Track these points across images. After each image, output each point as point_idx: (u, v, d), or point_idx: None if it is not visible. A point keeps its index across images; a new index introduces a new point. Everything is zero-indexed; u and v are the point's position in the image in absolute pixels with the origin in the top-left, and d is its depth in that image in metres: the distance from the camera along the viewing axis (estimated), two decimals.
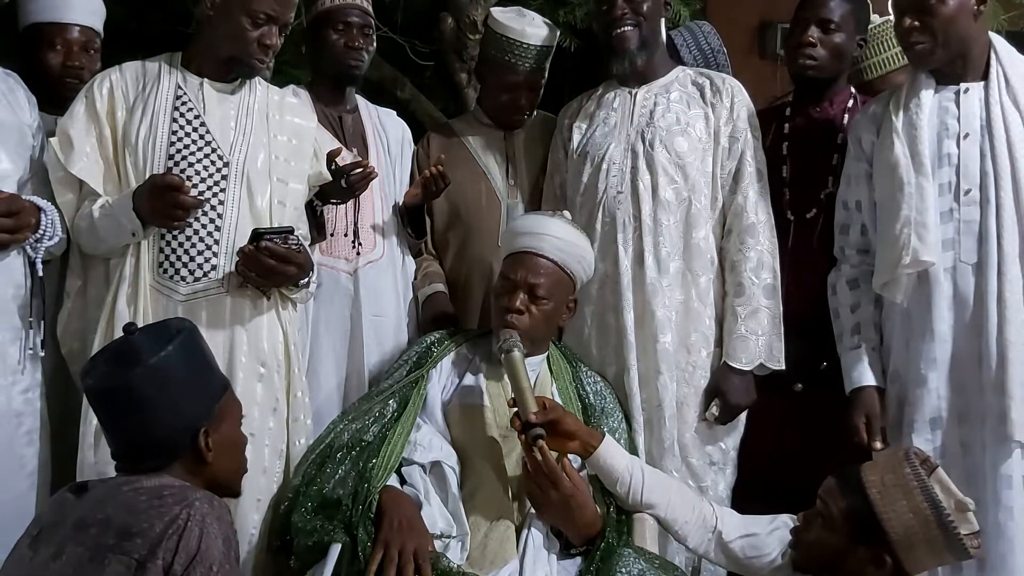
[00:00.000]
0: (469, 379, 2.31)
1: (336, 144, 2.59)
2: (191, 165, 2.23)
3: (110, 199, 2.21)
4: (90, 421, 2.17)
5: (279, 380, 2.30)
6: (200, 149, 2.25)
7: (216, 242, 2.23)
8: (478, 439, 2.22)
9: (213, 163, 2.25)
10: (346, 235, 2.62)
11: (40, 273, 2.20)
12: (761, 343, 2.44)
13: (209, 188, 2.24)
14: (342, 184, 2.43)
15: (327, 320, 2.59)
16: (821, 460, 2.14)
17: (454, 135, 2.88)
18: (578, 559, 2.06)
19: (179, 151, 2.24)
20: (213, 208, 2.23)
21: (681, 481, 2.35)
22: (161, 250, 2.21)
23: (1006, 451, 2.18)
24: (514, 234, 2.38)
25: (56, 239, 2.20)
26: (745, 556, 2.08)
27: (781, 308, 2.47)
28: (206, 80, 2.31)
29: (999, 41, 2.33)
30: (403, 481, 2.16)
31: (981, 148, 2.24)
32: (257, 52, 2.26)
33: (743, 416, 2.51)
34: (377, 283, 2.65)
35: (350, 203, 2.58)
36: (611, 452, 2.12)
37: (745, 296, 2.46)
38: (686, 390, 2.48)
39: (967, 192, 2.24)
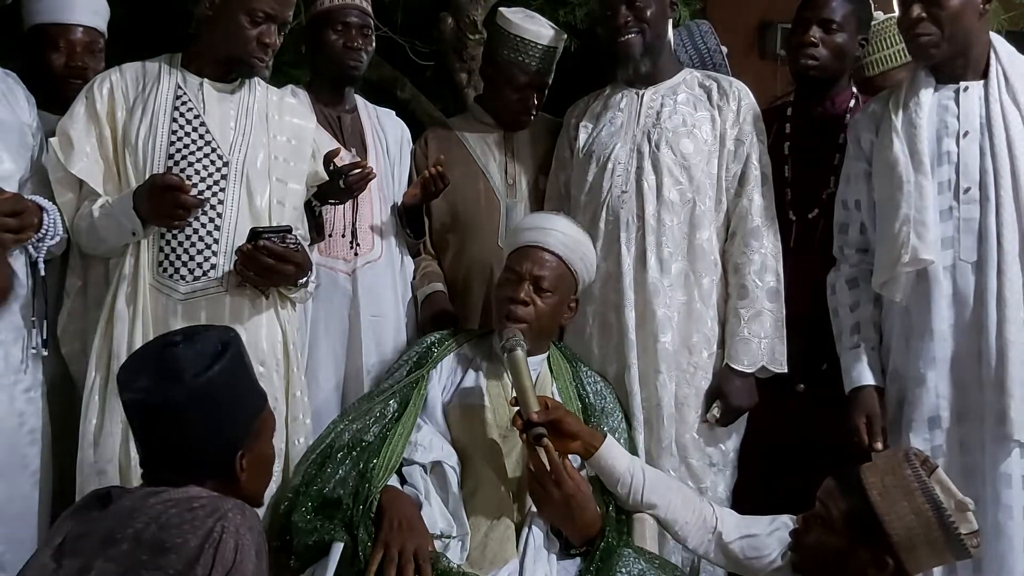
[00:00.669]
0: (469, 379, 2.31)
1: (335, 144, 2.59)
2: (191, 165, 2.24)
3: (110, 199, 2.21)
4: (90, 420, 2.18)
5: (278, 379, 2.30)
6: (200, 149, 2.26)
7: (215, 241, 2.23)
8: (478, 439, 2.22)
9: (213, 163, 2.26)
10: (344, 235, 2.62)
11: (43, 273, 2.20)
12: (764, 346, 2.45)
13: (209, 188, 2.24)
14: (340, 184, 2.43)
15: (326, 320, 2.60)
16: (822, 460, 2.14)
17: (453, 135, 2.87)
18: (578, 559, 2.06)
19: (179, 151, 2.24)
20: (213, 208, 2.24)
21: (680, 481, 2.35)
22: (161, 249, 2.22)
23: (1005, 450, 2.18)
24: (519, 230, 2.40)
25: (57, 239, 2.21)
26: (745, 557, 2.08)
27: (784, 311, 2.47)
28: (206, 80, 2.31)
29: (999, 40, 2.33)
30: (403, 481, 2.16)
31: (981, 146, 2.24)
32: (256, 51, 2.26)
33: (744, 418, 2.51)
34: (376, 283, 2.65)
35: (348, 203, 2.59)
36: (612, 453, 2.12)
37: (748, 299, 2.46)
38: (687, 391, 2.48)
39: (967, 190, 2.24)
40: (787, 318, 2.49)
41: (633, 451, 2.30)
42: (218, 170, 2.26)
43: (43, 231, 2.17)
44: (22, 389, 2.19)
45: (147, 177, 2.18)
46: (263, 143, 2.33)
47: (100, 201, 2.21)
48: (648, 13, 2.52)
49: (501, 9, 2.83)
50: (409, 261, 2.77)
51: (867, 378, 2.34)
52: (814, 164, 2.60)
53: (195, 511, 1.57)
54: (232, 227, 2.24)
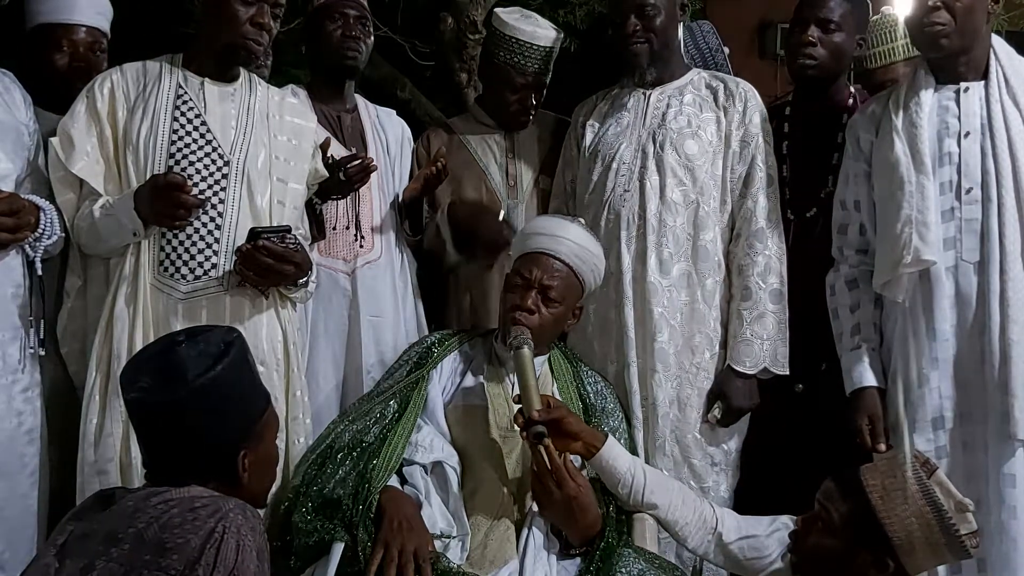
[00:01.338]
0: (470, 380, 2.31)
1: (335, 144, 2.60)
2: (192, 164, 2.23)
3: (111, 199, 2.21)
4: (90, 420, 2.17)
5: (278, 379, 2.30)
6: (201, 148, 2.25)
7: (216, 241, 2.23)
8: (479, 440, 2.22)
9: (214, 162, 2.25)
10: (348, 228, 2.61)
11: (40, 272, 2.20)
12: (766, 347, 2.44)
13: (209, 187, 2.24)
14: (340, 176, 2.43)
15: (325, 321, 2.60)
16: (821, 460, 2.14)
17: (454, 134, 2.87)
18: (578, 559, 2.06)
19: (180, 150, 2.24)
20: (213, 207, 2.23)
21: (680, 481, 2.35)
22: (162, 248, 2.21)
23: (1009, 450, 2.18)
24: (532, 234, 2.37)
25: (54, 238, 2.20)
26: (745, 557, 2.07)
27: (787, 313, 2.47)
28: (207, 80, 2.31)
29: (998, 42, 2.33)
30: (404, 481, 2.15)
31: (982, 147, 2.24)
32: (251, 33, 2.25)
33: (747, 418, 2.51)
34: (375, 284, 2.65)
35: (351, 200, 2.58)
36: (614, 453, 2.12)
37: (752, 300, 2.46)
38: (689, 391, 2.48)
39: (968, 191, 2.24)
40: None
41: (633, 451, 2.30)
42: (219, 169, 2.26)
43: (40, 230, 2.17)
44: (20, 389, 2.19)
45: (148, 177, 2.18)
46: (264, 143, 2.33)
47: (101, 201, 2.21)
48: (657, 22, 2.53)
49: (497, 11, 2.83)
50: (409, 261, 2.77)
51: (868, 379, 2.34)
52: (812, 163, 2.60)
53: (197, 511, 1.56)
54: (233, 227, 2.24)
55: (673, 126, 2.52)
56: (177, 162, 2.23)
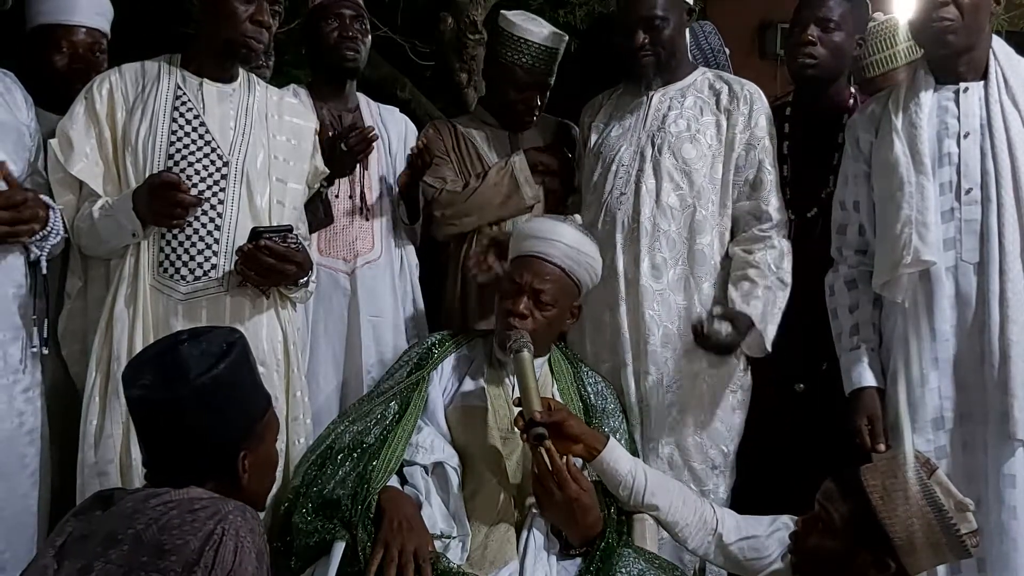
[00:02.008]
0: (470, 381, 2.31)
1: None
2: (191, 165, 2.23)
3: (110, 200, 2.21)
4: (90, 421, 2.17)
5: (278, 379, 2.30)
6: (200, 149, 2.25)
7: (216, 241, 2.23)
8: (479, 441, 2.21)
9: (213, 163, 2.25)
10: (351, 197, 2.62)
11: (44, 272, 2.19)
12: (767, 312, 2.39)
13: (209, 188, 2.24)
14: (342, 147, 2.43)
15: (325, 321, 2.60)
16: (822, 460, 2.14)
17: (459, 132, 2.87)
18: (578, 559, 2.06)
19: (179, 151, 2.24)
20: (213, 207, 2.23)
21: (680, 483, 2.35)
22: (161, 249, 2.21)
23: (1009, 450, 2.18)
24: (523, 236, 2.36)
25: (58, 237, 2.20)
26: (745, 558, 2.07)
27: (784, 305, 2.45)
28: (206, 80, 2.31)
29: (998, 42, 2.33)
30: (404, 482, 2.15)
31: (982, 147, 2.24)
32: (251, 30, 2.25)
33: (743, 419, 2.51)
34: (375, 284, 2.65)
35: (354, 195, 2.57)
36: (615, 455, 2.12)
37: (762, 272, 2.43)
38: (688, 395, 2.47)
39: (968, 191, 2.24)
40: (785, 317, 2.48)
41: (633, 451, 2.30)
42: (218, 170, 2.25)
43: (48, 229, 2.17)
44: (21, 389, 2.19)
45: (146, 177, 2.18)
46: (263, 143, 2.33)
47: (100, 202, 2.21)
48: (665, 34, 2.51)
49: (504, 12, 2.83)
50: (408, 261, 2.76)
51: (868, 379, 2.33)
52: (813, 163, 2.60)
53: (196, 513, 1.56)
54: (232, 227, 2.24)
55: (672, 129, 2.52)
56: (176, 163, 2.23)
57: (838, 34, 2.56)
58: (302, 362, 2.44)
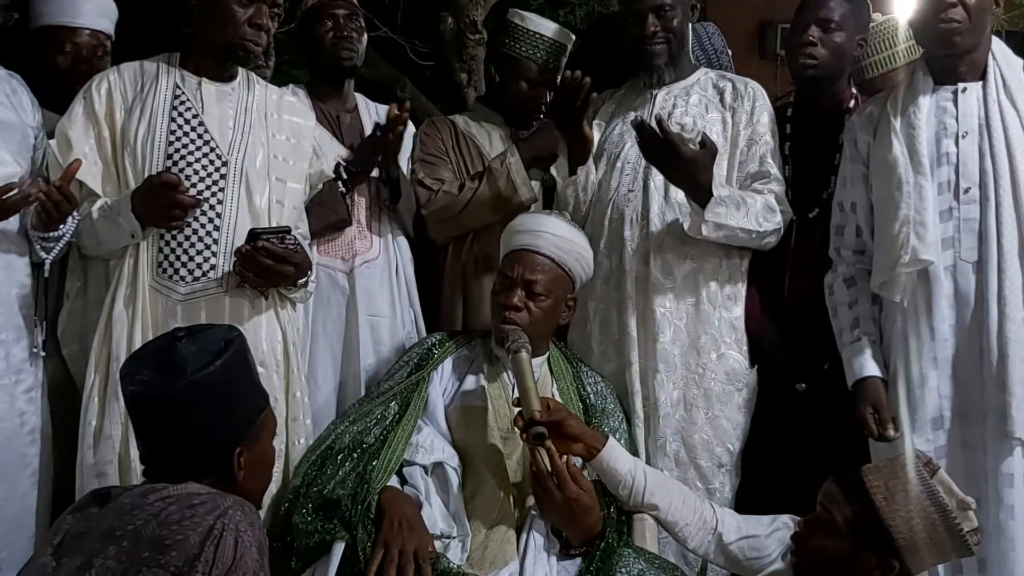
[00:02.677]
0: (470, 381, 2.31)
1: (334, 144, 2.61)
2: (190, 164, 2.23)
3: (109, 200, 2.21)
4: (90, 421, 2.17)
5: (278, 380, 2.30)
6: (199, 148, 2.25)
7: (215, 241, 2.23)
8: (479, 441, 2.22)
9: (212, 162, 2.25)
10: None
11: (47, 273, 2.20)
12: (728, 205, 2.38)
13: (208, 187, 2.24)
14: (377, 133, 2.47)
15: (324, 321, 2.59)
16: (824, 460, 2.14)
17: (459, 131, 2.86)
18: (578, 559, 2.06)
19: (177, 151, 2.24)
20: (212, 208, 2.23)
21: (679, 482, 2.34)
22: (160, 250, 2.21)
23: (1007, 449, 2.18)
24: (512, 232, 2.38)
25: (66, 240, 2.20)
26: (745, 557, 2.07)
27: (745, 228, 2.41)
28: (204, 79, 2.31)
29: (996, 42, 2.33)
30: (404, 482, 2.15)
31: (980, 147, 2.24)
32: (249, 33, 2.25)
33: (748, 418, 2.51)
34: (372, 283, 2.64)
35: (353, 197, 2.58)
36: (614, 455, 2.12)
37: (748, 195, 2.43)
38: (695, 392, 2.47)
39: (967, 191, 2.24)
40: (787, 317, 2.49)
41: (633, 451, 2.30)
42: (217, 170, 2.25)
43: (63, 230, 2.17)
44: (23, 389, 2.19)
45: (146, 177, 2.18)
46: (262, 142, 2.32)
47: (99, 203, 2.21)
48: (675, 22, 2.55)
49: (512, 8, 2.85)
50: (406, 261, 2.76)
51: (870, 369, 2.32)
52: (814, 164, 2.60)
53: (195, 508, 1.56)
54: (231, 227, 2.24)
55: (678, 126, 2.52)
56: (175, 163, 2.23)
57: (839, 35, 2.56)
58: (301, 362, 2.44)
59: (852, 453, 2.23)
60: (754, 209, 2.42)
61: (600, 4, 4.95)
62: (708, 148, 2.32)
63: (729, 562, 2.11)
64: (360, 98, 2.82)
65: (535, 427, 2.00)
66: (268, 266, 2.16)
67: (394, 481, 2.12)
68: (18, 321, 2.19)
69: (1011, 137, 2.22)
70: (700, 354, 2.48)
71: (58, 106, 2.38)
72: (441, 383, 2.31)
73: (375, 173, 2.65)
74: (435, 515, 2.08)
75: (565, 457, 2.05)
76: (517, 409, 2.08)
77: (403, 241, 2.74)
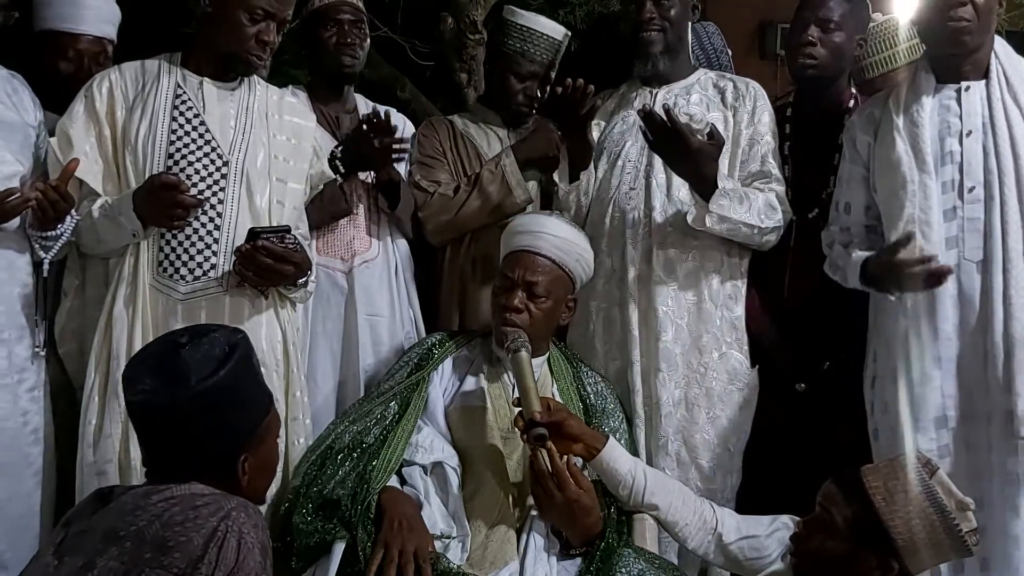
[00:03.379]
0: (470, 381, 2.31)
1: (334, 144, 2.60)
2: (190, 164, 2.23)
3: (109, 199, 2.21)
4: (90, 420, 2.17)
5: (278, 379, 2.29)
6: (200, 148, 2.25)
7: (215, 241, 2.23)
8: (479, 441, 2.21)
9: (212, 162, 2.25)
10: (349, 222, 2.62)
11: (45, 274, 2.20)
12: (731, 198, 2.38)
13: (208, 187, 2.24)
14: (373, 142, 2.45)
15: (323, 320, 2.59)
16: (824, 460, 2.14)
17: (457, 131, 2.86)
18: (578, 559, 2.06)
19: (179, 150, 2.24)
20: (212, 207, 2.23)
21: (679, 482, 2.34)
22: (161, 249, 2.21)
23: (1012, 449, 2.17)
24: (512, 233, 2.38)
25: (65, 240, 2.20)
26: (745, 557, 2.07)
27: (746, 222, 2.41)
28: (206, 79, 2.31)
29: (999, 41, 2.34)
30: (404, 482, 2.15)
31: (984, 146, 2.24)
32: (255, 48, 2.25)
33: (749, 418, 2.51)
34: (372, 283, 2.64)
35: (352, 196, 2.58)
36: (614, 455, 2.12)
37: (751, 191, 2.43)
38: (697, 391, 2.47)
39: (971, 190, 2.24)
40: (787, 317, 2.49)
41: (633, 451, 2.30)
42: (218, 169, 2.25)
43: (61, 230, 2.17)
44: (26, 388, 2.20)
45: (147, 177, 2.18)
46: (263, 142, 2.32)
47: (100, 202, 2.21)
48: (672, 12, 2.56)
49: (508, 7, 2.85)
50: (405, 261, 2.76)
51: (865, 255, 2.27)
52: (814, 164, 2.60)
53: (199, 509, 1.56)
54: (232, 227, 2.24)
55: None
56: (176, 162, 2.23)
57: (839, 35, 2.56)
58: (301, 362, 2.44)
59: (852, 453, 2.22)
60: (757, 205, 2.43)
61: (600, 4, 4.95)
62: (716, 140, 2.32)
63: (729, 562, 2.11)
64: (360, 99, 2.82)
65: (536, 428, 2.00)
66: (268, 265, 2.16)
67: (394, 481, 2.12)
68: (20, 320, 2.20)
69: (1015, 136, 2.22)
70: (702, 353, 2.48)
71: (59, 107, 2.37)
72: (441, 383, 2.31)
73: (371, 178, 2.66)
74: (435, 515, 2.08)
75: (565, 457, 2.05)
76: (517, 409, 2.08)
77: (402, 241, 2.74)
